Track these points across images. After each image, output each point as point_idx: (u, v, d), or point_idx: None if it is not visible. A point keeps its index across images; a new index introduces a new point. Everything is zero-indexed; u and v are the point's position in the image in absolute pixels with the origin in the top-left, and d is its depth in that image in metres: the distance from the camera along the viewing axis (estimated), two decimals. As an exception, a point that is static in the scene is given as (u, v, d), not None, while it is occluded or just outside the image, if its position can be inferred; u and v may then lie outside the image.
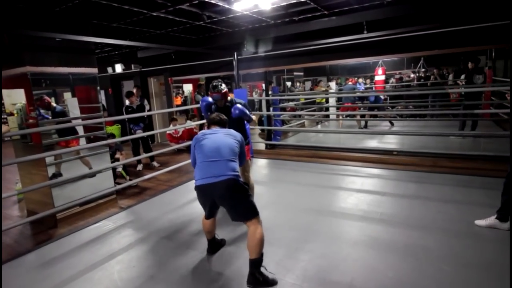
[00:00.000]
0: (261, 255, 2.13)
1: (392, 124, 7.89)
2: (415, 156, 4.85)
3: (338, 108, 8.59)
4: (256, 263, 2.11)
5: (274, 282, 2.13)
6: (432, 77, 9.83)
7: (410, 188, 3.77)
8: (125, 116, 5.16)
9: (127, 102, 5.69)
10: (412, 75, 11.82)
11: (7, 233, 3.26)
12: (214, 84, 2.99)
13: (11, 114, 3.85)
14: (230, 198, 2.18)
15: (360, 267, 2.28)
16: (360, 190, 3.81)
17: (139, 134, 5.22)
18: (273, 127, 6.82)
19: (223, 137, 2.35)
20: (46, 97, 3.72)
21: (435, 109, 8.21)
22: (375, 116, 7.97)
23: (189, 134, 7.07)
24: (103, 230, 3.17)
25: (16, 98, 3.70)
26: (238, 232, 2.92)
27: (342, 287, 2.07)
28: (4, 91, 3.84)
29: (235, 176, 2.17)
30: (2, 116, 4.10)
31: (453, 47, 4.82)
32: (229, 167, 2.18)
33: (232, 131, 2.47)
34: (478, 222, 2.76)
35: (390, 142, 6.28)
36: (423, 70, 10.62)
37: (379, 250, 2.47)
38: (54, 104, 3.84)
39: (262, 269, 2.14)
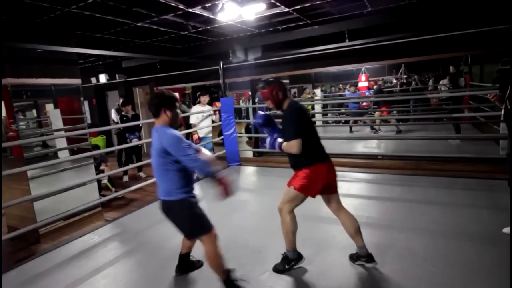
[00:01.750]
0: (226, 274, 2.05)
1: (375, 130, 7.94)
2: (399, 160, 4.97)
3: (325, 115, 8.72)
4: (225, 284, 2.05)
5: None
6: (413, 82, 10.15)
7: (395, 191, 3.85)
8: (121, 125, 5.31)
9: (116, 112, 5.70)
10: (394, 81, 12.18)
11: (-14, 251, 3.13)
12: (261, 80, 2.48)
13: (-10, 127, 3.74)
14: (169, 218, 2.09)
15: (347, 272, 2.30)
16: (347, 195, 3.86)
17: (135, 142, 5.14)
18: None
19: (153, 149, 2.03)
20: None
21: (417, 114, 8.46)
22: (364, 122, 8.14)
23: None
24: (89, 244, 3.09)
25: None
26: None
27: (332, 292, 2.09)
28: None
29: (166, 196, 2.04)
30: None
31: (431, 54, 5.03)
32: (161, 188, 2.06)
33: (158, 131, 2.00)
34: (506, 230, 2.56)
35: (375, 147, 6.41)
36: (404, 76, 10.97)
37: (366, 254, 2.50)
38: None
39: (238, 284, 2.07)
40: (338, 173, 4.58)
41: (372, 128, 7.81)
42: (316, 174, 2.17)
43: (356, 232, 2.29)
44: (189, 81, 7.56)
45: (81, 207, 3.61)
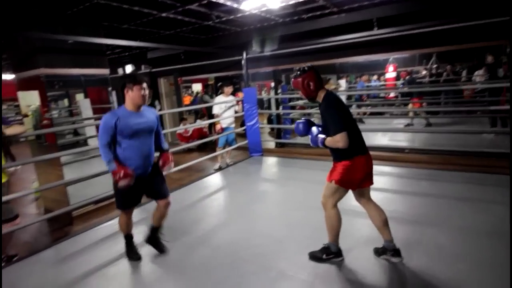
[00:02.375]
0: (124, 236, 2.56)
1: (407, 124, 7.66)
2: (426, 154, 4.78)
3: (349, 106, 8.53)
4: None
5: (131, 257, 2.55)
6: (444, 73, 9.63)
7: (421, 186, 3.72)
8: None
9: None
10: (424, 72, 11.62)
11: (25, 230, 3.35)
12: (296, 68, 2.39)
13: (26, 115, 3.97)
14: None
15: (371, 265, 2.26)
16: (372, 188, 3.77)
17: None
18: (282, 126, 6.81)
19: None
20: None
21: (448, 106, 8.07)
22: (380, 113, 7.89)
23: (199, 133, 7.13)
24: (116, 228, 3.20)
25: (30, 99, 3.81)
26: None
27: (354, 285, 2.07)
28: (19, 93, 3.96)
29: None
30: (18, 118, 4.23)
31: (466, 42, 4.74)
32: None
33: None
34: None
35: (402, 140, 6.19)
36: (434, 66, 10.42)
37: (391, 248, 2.44)
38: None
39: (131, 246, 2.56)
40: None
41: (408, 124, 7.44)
42: (355, 166, 2.13)
43: (384, 224, 2.25)
44: (212, 71, 7.60)
45: (110, 193, 3.76)
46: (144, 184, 2.37)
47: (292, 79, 2.25)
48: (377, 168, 4.45)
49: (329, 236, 2.32)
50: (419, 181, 3.90)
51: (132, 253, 2.55)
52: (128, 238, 2.57)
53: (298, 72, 2.19)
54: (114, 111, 2.30)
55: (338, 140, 2.03)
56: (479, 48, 7.24)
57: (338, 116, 2.06)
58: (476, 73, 8.01)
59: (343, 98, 8.94)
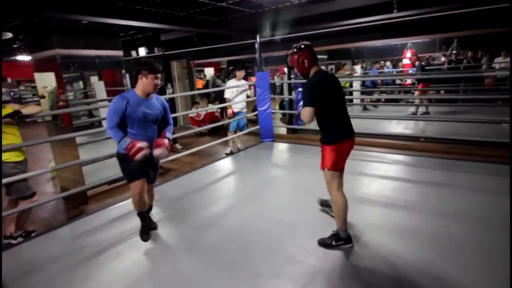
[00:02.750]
0: (137, 213, 2.55)
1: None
2: (443, 143, 4.65)
3: (363, 93, 8.35)
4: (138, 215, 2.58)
5: (142, 236, 2.57)
6: (464, 60, 9.24)
7: (437, 176, 3.64)
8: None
9: None
10: (443, 59, 11.16)
11: (43, 208, 3.48)
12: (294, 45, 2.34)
13: (43, 96, 4.04)
14: None
15: (382, 253, 2.25)
16: (384, 177, 3.73)
17: None
18: (295, 111, 6.72)
19: None
20: None
21: (467, 94, 7.78)
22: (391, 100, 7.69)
23: (211, 117, 7.14)
24: (129, 208, 3.29)
25: (47, 81, 3.86)
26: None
27: (364, 272, 2.07)
28: (36, 75, 4.01)
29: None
30: (35, 99, 4.31)
31: (489, 27, 4.50)
32: None
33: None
34: None
35: (417, 128, 6.05)
36: (454, 52, 9.97)
37: (402, 237, 2.42)
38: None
39: (144, 225, 2.58)
40: (374, 154, 4.43)
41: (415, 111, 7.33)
42: (342, 150, 2.27)
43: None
44: (225, 55, 7.51)
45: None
46: (145, 165, 2.45)
47: (289, 56, 2.30)
48: (390, 156, 4.45)
49: (337, 222, 2.34)
50: (434, 170, 3.81)
51: (143, 233, 2.58)
52: (141, 216, 2.57)
53: (295, 50, 2.25)
54: (123, 94, 2.30)
55: (302, 113, 2.15)
56: (503, 33, 6.89)
57: (314, 93, 2.13)
58: (496, 60, 7.66)
59: (357, 84, 8.75)
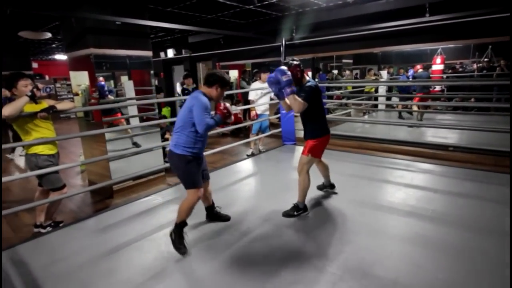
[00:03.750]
0: (181, 222, 2.42)
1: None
2: (473, 153, 4.43)
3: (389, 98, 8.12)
4: (175, 225, 2.44)
5: (179, 250, 2.38)
6: (498, 68, 8.75)
7: (466, 187, 3.47)
8: (183, 97, 5.39)
9: (181, 86, 5.98)
10: (474, 66, 10.62)
11: (71, 200, 3.64)
12: (285, 60, 2.90)
13: (77, 94, 4.23)
14: (171, 166, 2.51)
15: (406, 264, 2.17)
16: (409, 185, 3.60)
17: None
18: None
19: (183, 107, 2.42)
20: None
21: (501, 103, 7.37)
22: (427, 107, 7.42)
23: (234, 118, 7.19)
24: (153, 204, 3.39)
25: (81, 79, 4.04)
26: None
27: (386, 283, 1.99)
28: (71, 73, 4.22)
29: (173, 147, 2.38)
30: (69, 96, 4.53)
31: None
32: (173, 140, 2.40)
33: (195, 94, 2.41)
34: None
35: (446, 137, 5.79)
36: (485, 60, 9.45)
37: (428, 249, 2.32)
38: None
39: (182, 235, 2.43)
40: (400, 161, 4.38)
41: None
42: (323, 142, 2.92)
43: (327, 171, 3.36)
44: (250, 57, 7.57)
45: (148, 170, 3.95)
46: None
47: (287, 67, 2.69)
48: (416, 165, 4.29)
49: (299, 197, 2.93)
50: (463, 181, 3.63)
51: (181, 244, 2.41)
52: (184, 225, 2.44)
53: (290, 65, 2.74)
54: (204, 95, 2.41)
55: (298, 104, 2.60)
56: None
57: (311, 94, 2.70)
58: None
59: (382, 89, 8.52)
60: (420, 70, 7.03)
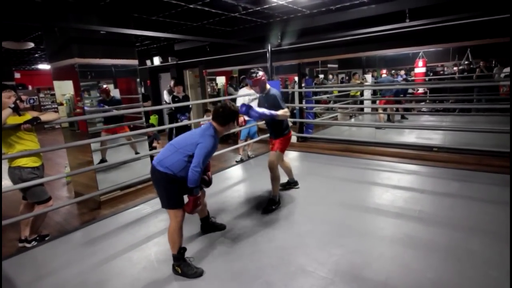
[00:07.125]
0: (177, 250, 2.23)
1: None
2: (457, 153, 4.55)
3: (374, 101, 8.28)
4: (173, 257, 2.26)
5: (195, 274, 2.21)
6: (477, 69, 9.08)
7: (452, 187, 3.56)
8: (173, 105, 5.35)
9: (168, 94, 5.94)
10: (455, 68, 10.98)
11: (57, 212, 3.55)
12: (251, 71, 3.11)
13: (61, 104, 4.16)
14: (153, 182, 2.30)
15: (396, 266, 2.20)
16: (397, 187, 3.67)
17: (185, 122, 5.35)
18: (305, 120, 6.72)
19: (194, 133, 2.34)
20: (106, 86, 4.10)
21: (481, 104, 7.62)
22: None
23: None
24: (142, 214, 3.34)
25: (65, 89, 3.99)
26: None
27: (376, 285, 2.02)
28: (55, 83, 4.15)
29: (156, 164, 2.20)
30: (54, 106, 4.46)
31: (503, 36, 4.41)
32: (163, 155, 2.24)
33: (208, 131, 2.29)
34: None
35: (430, 138, 5.94)
36: (466, 62, 9.80)
37: (417, 250, 2.36)
38: (112, 94, 4.14)
39: (187, 261, 2.26)
40: (387, 163, 4.47)
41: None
42: (288, 139, 3.32)
43: (290, 170, 3.71)
44: (237, 64, 7.60)
45: (136, 180, 3.90)
46: None
47: (254, 78, 3.05)
48: (403, 166, 4.38)
49: (274, 190, 3.25)
50: (449, 181, 3.73)
51: (193, 270, 2.23)
52: (184, 251, 2.28)
53: (258, 73, 3.05)
54: (213, 133, 2.29)
55: (283, 113, 3.04)
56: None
57: (282, 99, 3.17)
58: (504, 70, 7.52)
59: (368, 93, 8.71)
60: (384, 75, 7.33)
